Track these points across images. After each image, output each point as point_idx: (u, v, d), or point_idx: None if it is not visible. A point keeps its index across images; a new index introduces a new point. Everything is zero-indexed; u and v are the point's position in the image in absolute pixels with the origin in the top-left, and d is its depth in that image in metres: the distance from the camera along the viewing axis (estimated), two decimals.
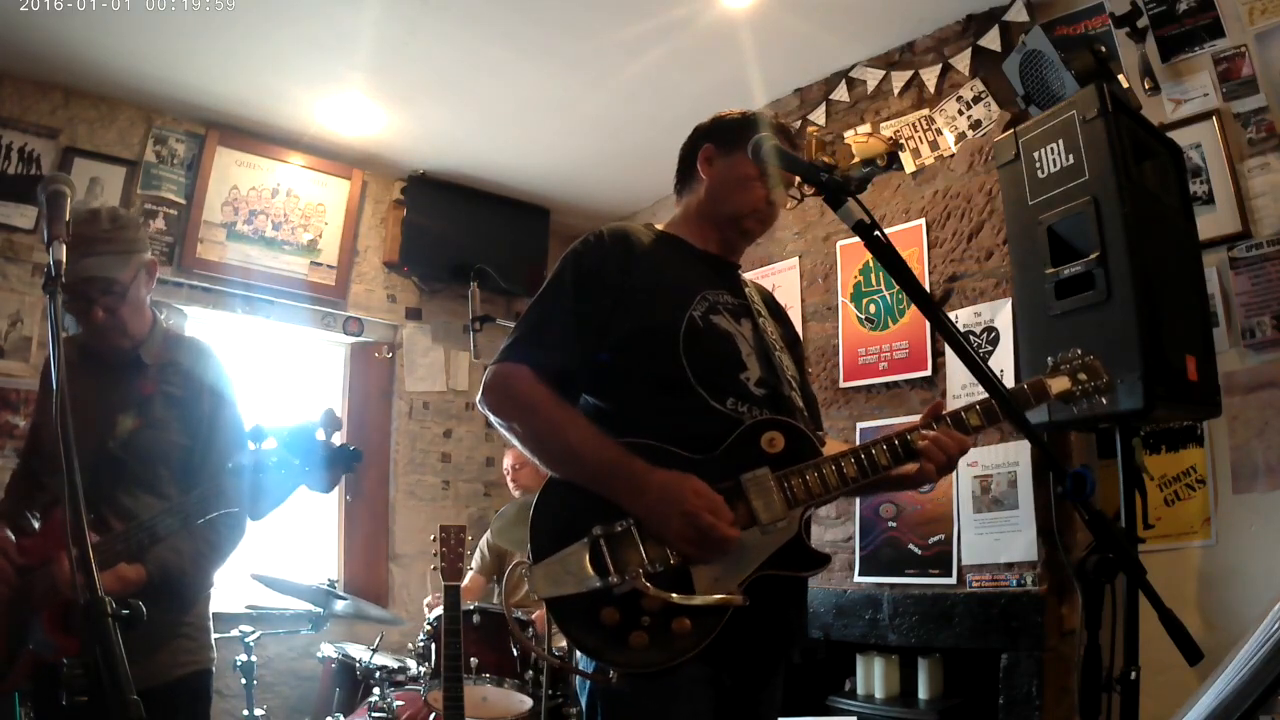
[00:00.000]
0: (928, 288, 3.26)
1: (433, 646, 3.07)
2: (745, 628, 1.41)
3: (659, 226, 1.73)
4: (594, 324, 1.53)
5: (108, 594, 1.64)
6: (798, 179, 1.59)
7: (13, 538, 1.79)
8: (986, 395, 1.42)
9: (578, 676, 1.50)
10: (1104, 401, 1.62)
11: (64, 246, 1.34)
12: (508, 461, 4.19)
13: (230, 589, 3.48)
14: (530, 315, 1.58)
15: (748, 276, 1.79)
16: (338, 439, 1.48)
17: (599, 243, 1.60)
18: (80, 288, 1.85)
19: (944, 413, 1.56)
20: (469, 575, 3.90)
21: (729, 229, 1.70)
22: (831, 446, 1.72)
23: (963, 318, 3.18)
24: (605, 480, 1.43)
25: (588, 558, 1.39)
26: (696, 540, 1.39)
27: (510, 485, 4.16)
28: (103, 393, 1.90)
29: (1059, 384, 1.61)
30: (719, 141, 1.70)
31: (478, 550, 4.00)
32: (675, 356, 1.50)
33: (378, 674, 3.14)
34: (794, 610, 1.57)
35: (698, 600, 1.37)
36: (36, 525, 1.97)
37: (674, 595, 1.37)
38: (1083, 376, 1.61)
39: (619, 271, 1.56)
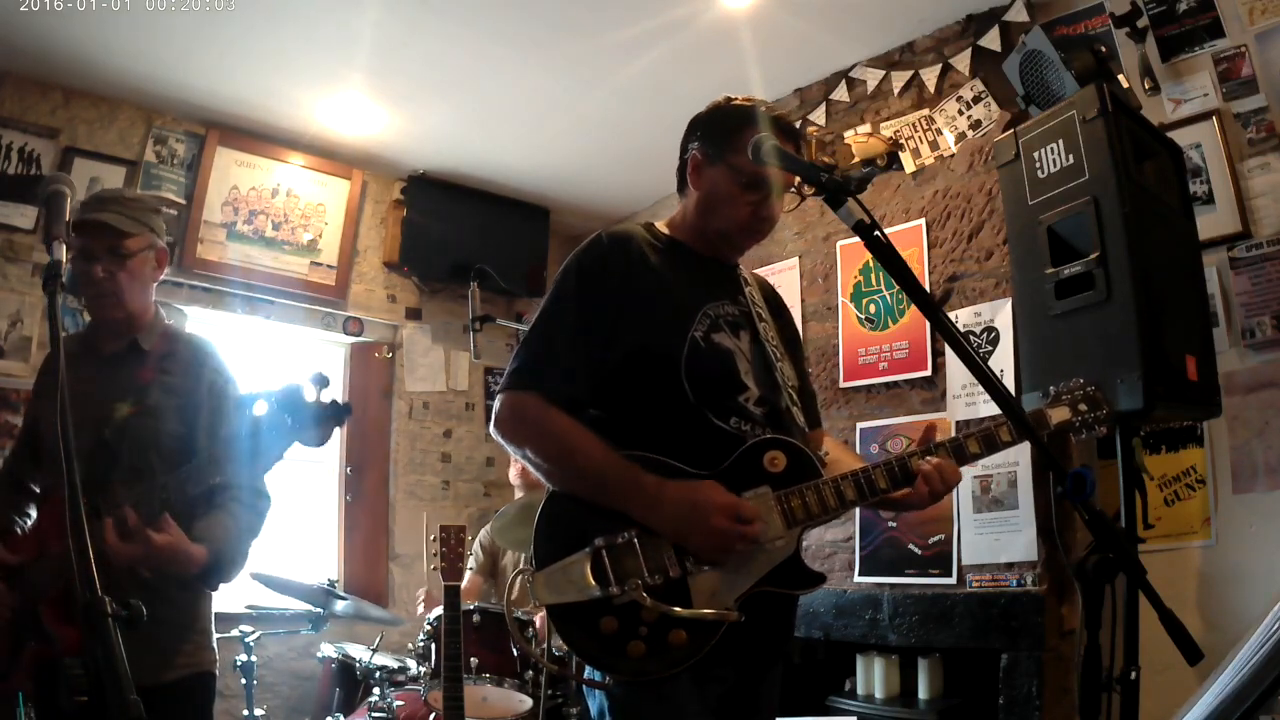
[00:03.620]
0: (928, 288, 3.26)
1: (433, 646, 3.07)
2: (739, 641, 1.43)
3: (660, 226, 1.71)
4: (599, 337, 1.53)
5: (166, 572, 1.67)
6: (797, 178, 1.58)
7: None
8: (982, 421, 1.42)
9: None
10: (1103, 431, 1.62)
11: (64, 246, 1.35)
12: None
13: (230, 589, 3.47)
14: (536, 336, 1.57)
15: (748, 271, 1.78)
16: (326, 396, 1.48)
17: (599, 251, 1.58)
18: (87, 239, 1.87)
19: (944, 440, 1.56)
20: (467, 576, 3.88)
21: (721, 243, 1.69)
22: (832, 449, 1.72)
23: (963, 318, 3.19)
24: (619, 497, 1.45)
25: (589, 567, 1.41)
26: (724, 547, 1.41)
27: (516, 482, 4.15)
28: (102, 383, 1.90)
29: (1059, 414, 1.61)
30: (707, 145, 1.64)
31: (472, 551, 3.98)
32: (677, 380, 1.51)
33: (378, 674, 3.14)
34: (786, 623, 1.60)
35: (693, 614, 1.40)
36: (23, 528, 1.96)
37: (671, 608, 1.39)
38: (1083, 407, 1.62)
39: (621, 279, 1.55)
